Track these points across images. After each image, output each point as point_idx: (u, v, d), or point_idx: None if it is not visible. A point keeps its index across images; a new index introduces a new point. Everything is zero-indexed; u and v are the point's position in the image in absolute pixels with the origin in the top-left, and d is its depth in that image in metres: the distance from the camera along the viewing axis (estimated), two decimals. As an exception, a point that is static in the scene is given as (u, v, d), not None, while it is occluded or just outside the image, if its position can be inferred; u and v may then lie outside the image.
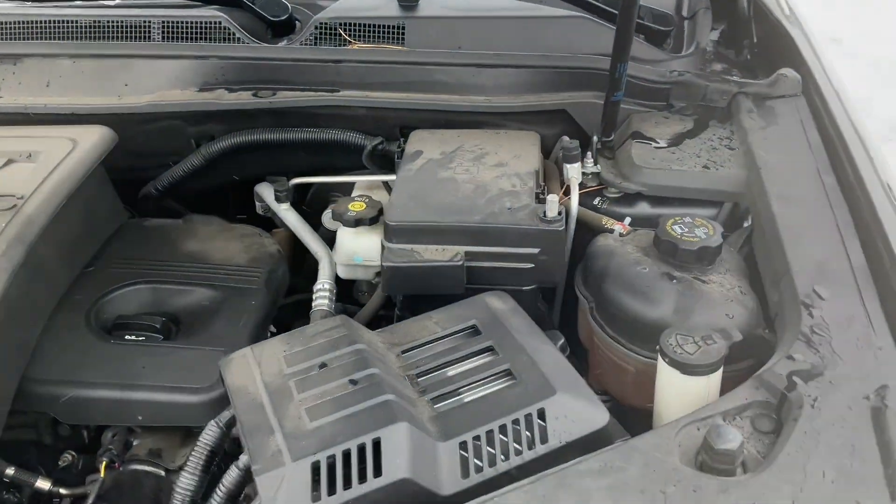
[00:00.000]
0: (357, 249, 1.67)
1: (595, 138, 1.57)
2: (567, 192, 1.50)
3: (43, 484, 1.35)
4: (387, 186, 1.81)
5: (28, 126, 1.60)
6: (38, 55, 1.69)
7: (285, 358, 1.12)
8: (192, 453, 1.18)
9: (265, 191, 1.82)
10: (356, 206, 1.69)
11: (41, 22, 1.73)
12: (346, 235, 1.68)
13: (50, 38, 1.72)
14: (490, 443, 1.01)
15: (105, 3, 1.78)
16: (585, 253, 1.40)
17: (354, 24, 1.71)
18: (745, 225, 1.42)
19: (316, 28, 1.71)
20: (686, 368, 1.11)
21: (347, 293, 1.70)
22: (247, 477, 1.05)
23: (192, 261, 1.61)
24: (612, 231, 1.45)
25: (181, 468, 1.30)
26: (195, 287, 1.54)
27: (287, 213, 1.76)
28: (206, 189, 1.85)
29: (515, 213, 1.37)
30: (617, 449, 0.96)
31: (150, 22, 1.71)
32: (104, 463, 1.31)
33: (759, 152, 1.46)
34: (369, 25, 1.71)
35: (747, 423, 1.02)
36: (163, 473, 1.33)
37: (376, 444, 0.97)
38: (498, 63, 1.66)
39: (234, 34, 1.70)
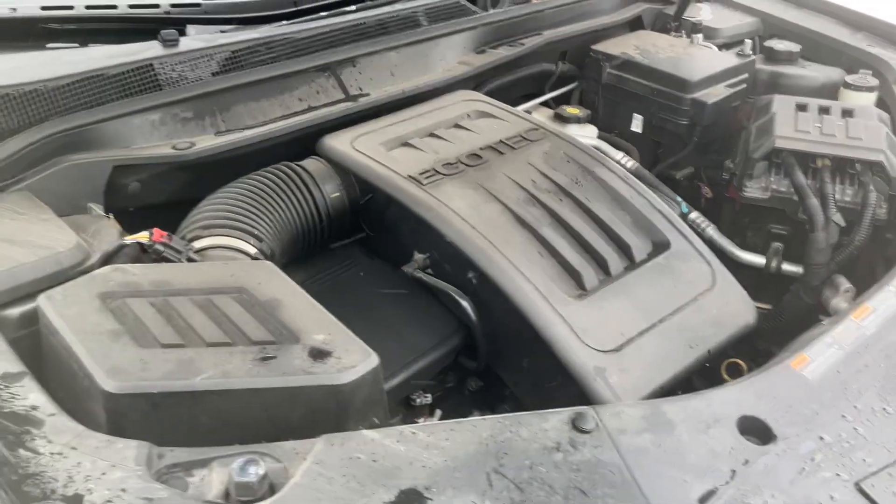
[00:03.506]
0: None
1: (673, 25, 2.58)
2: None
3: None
4: (549, 105, 2.52)
5: (412, 107, 1.94)
6: (366, 54, 1.96)
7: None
8: None
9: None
10: (574, 110, 2.43)
11: (333, 31, 1.98)
12: (576, 129, 2.40)
13: (349, 43, 1.99)
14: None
15: (346, 10, 2.07)
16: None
17: (527, -14, 2.38)
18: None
19: (511, -7, 2.33)
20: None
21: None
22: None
23: None
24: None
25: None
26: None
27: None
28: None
29: (734, 57, 2.35)
30: None
31: (416, 12, 2.11)
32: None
33: (753, 7, 2.67)
34: (534, -16, 2.40)
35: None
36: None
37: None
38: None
39: (469, 9, 2.22)
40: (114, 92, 1.68)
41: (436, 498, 1.03)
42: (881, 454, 1.19)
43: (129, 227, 1.53)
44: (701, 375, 1.60)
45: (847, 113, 2.08)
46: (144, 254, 1.47)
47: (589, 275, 1.52)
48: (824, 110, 2.10)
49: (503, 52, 2.21)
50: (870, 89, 2.29)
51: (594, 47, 2.41)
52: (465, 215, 1.56)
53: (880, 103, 2.28)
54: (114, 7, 1.82)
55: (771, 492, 1.11)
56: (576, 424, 1.17)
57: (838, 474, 1.15)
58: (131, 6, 1.83)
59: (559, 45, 2.41)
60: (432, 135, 1.81)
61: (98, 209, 1.60)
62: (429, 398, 1.62)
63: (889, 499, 1.13)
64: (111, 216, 1.58)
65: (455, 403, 1.65)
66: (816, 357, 1.35)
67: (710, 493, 1.10)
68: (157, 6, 1.86)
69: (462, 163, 1.71)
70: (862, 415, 1.25)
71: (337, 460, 1.06)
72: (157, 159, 1.64)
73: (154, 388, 1.11)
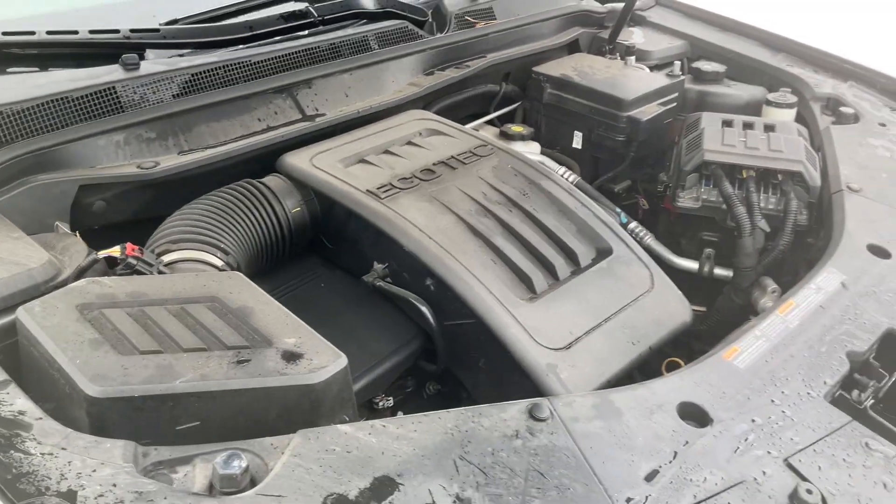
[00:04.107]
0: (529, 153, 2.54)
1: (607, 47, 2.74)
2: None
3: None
4: (494, 123, 2.64)
5: (366, 126, 2.03)
6: (321, 76, 2.05)
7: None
8: None
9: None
10: (518, 128, 2.56)
11: (287, 55, 2.06)
12: (521, 146, 2.53)
13: (300, 67, 2.07)
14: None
15: (300, 34, 2.15)
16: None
17: (471, 13, 2.50)
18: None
19: (455, 18, 2.44)
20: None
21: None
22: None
23: None
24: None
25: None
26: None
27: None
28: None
29: (665, 78, 2.50)
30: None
31: (366, 37, 2.20)
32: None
33: (681, 31, 2.85)
34: (477, 11, 2.52)
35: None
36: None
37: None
38: (547, 18, 2.67)
39: (417, 33, 2.33)
40: (78, 114, 1.74)
41: (407, 483, 1.11)
42: (807, 433, 1.32)
43: (95, 244, 1.58)
44: (642, 373, 1.72)
45: (769, 128, 2.25)
46: (111, 269, 1.52)
47: (539, 279, 1.63)
48: (748, 126, 2.26)
49: (450, 74, 2.32)
50: (790, 106, 2.47)
51: (535, 69, 2.54)
52: (422, 226, 1.65)
53: (799, 118, 2.46)
54: (75, 32, 1.87)
55: (709, 469, 1.23)
56: (532, 414, 1.27)
57: (769, 452, 1.28)
58: (92, 31, 1.88)
59: (502, 67, 2.53)
60: (387, 152, 1.91)
61: (65, 227, 1.65)
62: (391, 401, 1.71)
63: (814, 472, 1.26)
64: (77, 234, 1.63)
65: (415, 407, 1.73)
66: (746, 348, 1.48)
67: (655, 472, 1.21)
68: (116, 31, 1.91)
69: (417, 177, 1.81)
70: (789, 399, 1.38)
71: (313, 453, 1.14)
72: (122, 178, 1.70)
73: (136, 392, 1.17)
